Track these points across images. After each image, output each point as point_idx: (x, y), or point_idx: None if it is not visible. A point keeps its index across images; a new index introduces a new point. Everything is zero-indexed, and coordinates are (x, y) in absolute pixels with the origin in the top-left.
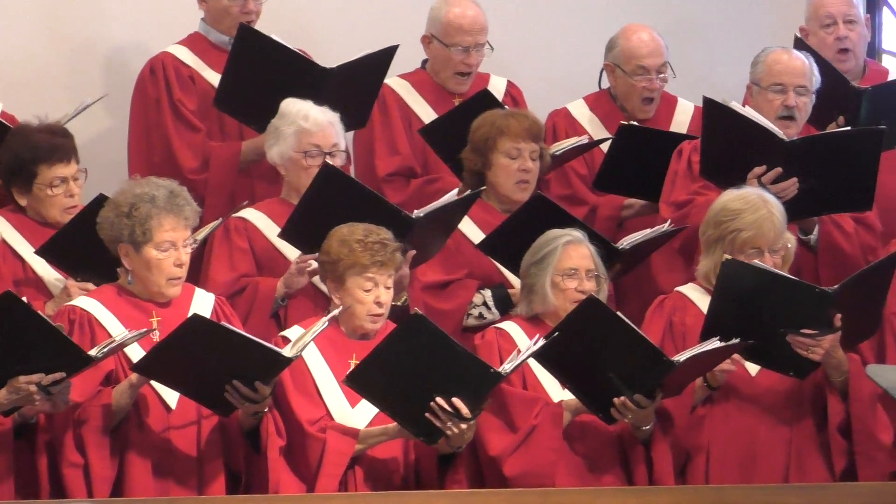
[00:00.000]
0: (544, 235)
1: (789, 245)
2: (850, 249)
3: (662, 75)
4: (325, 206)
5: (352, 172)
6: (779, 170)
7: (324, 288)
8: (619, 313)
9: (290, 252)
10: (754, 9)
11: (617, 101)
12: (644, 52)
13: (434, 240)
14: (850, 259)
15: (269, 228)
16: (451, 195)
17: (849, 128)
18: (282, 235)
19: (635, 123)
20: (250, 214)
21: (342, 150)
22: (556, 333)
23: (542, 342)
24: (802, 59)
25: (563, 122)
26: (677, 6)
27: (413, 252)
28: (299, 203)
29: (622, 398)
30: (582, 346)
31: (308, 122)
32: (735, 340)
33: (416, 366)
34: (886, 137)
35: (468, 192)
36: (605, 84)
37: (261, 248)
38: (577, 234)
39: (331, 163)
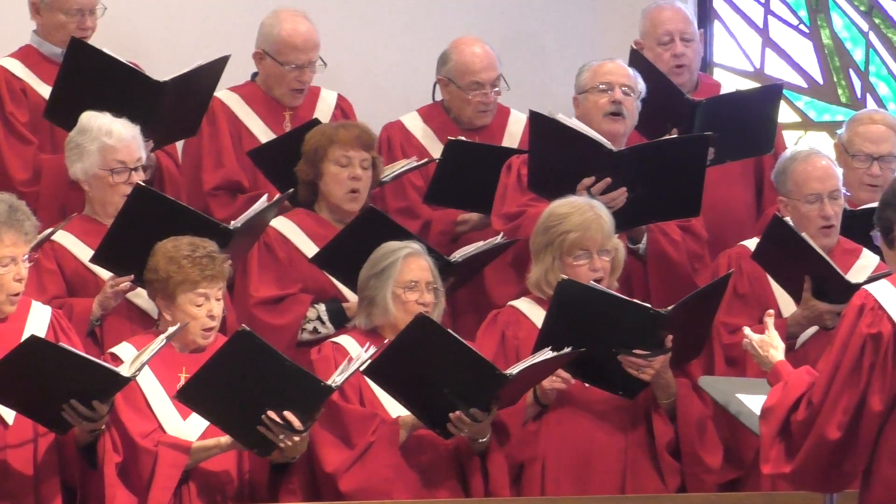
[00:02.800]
0: (383, 247)
1: (618, 248)
2: (678, 257)
3: (496, 88)
4: (139, 226)
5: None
6: (608, 180)
7: (139, 304)
8: (449, 330)
9: (103, 271)
10: (588, 21)
11: (451, 114)
12: (477, 67)
13: (246, 245)
14: (678, 267)
15: (77, 248)
16: (263, 201)
17: (676, 131)
18: (94, 260)
19: (463, 139)
20: (58, 236)
21: (144, 162)
22: (384, 350)
23: (372, 350)
24: (627, 67)
25: (397, 135)
26: (510, 19)
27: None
28: (112, 226)
29: (458, 413)
30: (415, 363)
31: (112, 138)
32: (567, 349)
33: (245, 380)
34: (718, 150)
35: (277, 195)
36: (439, 96)
37: (70, 269)
38: (416, 246)
39: (141, 182)
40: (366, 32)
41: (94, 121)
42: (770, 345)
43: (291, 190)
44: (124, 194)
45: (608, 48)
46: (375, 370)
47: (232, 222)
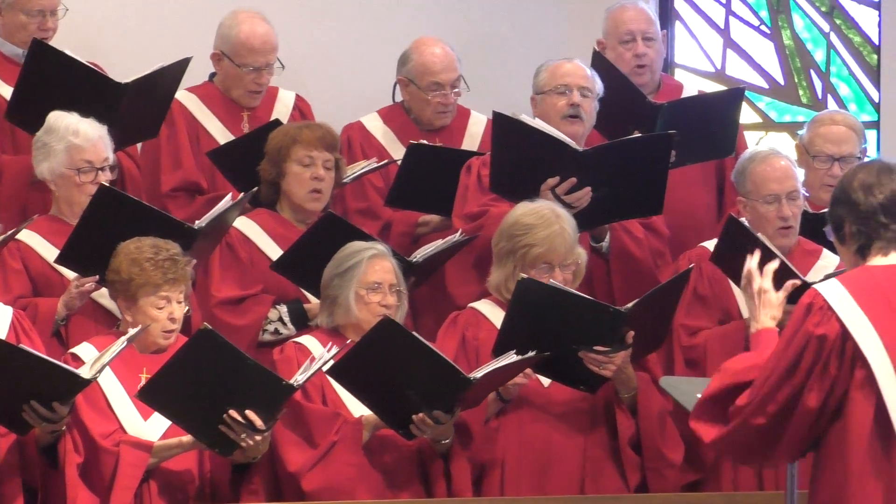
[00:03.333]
0: (348, 247)
1: (580, 261)
2: (641, 255)
3: (456, 90)
4: (103, 227)
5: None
6: (573, 180)
7: (104, 303)
8: (414, 333)
9: (69, 272)
10: (549, 21)
11: (411, 114)
12: (438, 68)
13: (210, 246)
14: (641, 264)
15: (43, 248)
16: (227, 200)
17: (638, 134)
18: (59, 261)
19: (424, 143)
20: (23, 235)
21: (111, 163)
22: (348, 351)
23: (334, 351)
24: (584, 66)
25: (357, 136)
26: (472, 19)
27: (195, 261)
28: (76, 227)
29: (421, 415)
30: (379, 365)
31: (79, 137)
32: (531, 353)
33: (207, 379)
34: (679, 153)
35: (241, 195)
36: (399, 97)
37: (36, 269)
38: (380, 247)
39: (105, 182)
40: (327, 32)
41: (62, 120)
42: (773, 305)
43: (255, 189)
44: (90, 194)
45: (571, 48)
46: (339, 371)
47: (196, 222)
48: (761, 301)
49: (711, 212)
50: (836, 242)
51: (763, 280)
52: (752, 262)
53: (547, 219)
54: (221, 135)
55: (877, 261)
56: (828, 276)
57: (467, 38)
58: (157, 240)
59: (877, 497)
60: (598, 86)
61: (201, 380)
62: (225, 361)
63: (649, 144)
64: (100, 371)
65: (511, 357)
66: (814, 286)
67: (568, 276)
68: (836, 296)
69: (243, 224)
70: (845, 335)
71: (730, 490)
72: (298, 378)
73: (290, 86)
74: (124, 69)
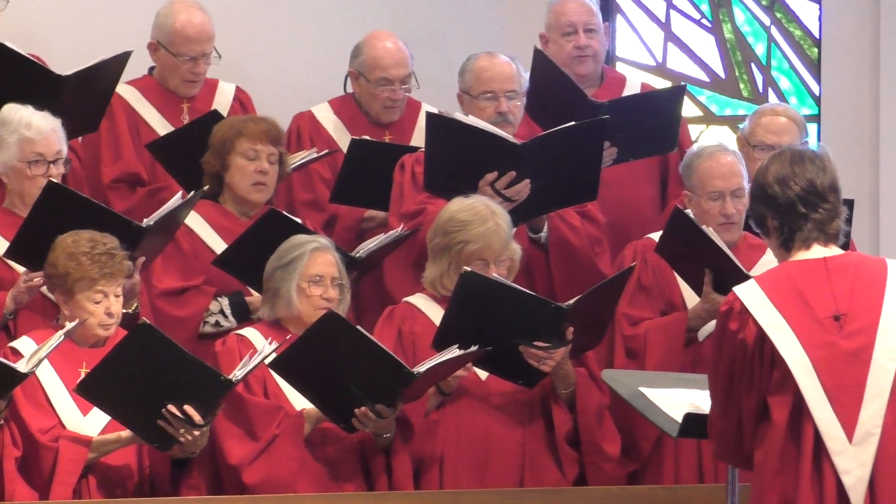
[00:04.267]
0: (292, 239)
1: (514, 257)
2: (579, 243)
3: (406, 86)
4: (52, 222)
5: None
6: (512, 174)
7: (52, 297)
8: (358, 327)
9: (18, 265)
10: (492, 15)
11: (361, 107)
12: (388, 63)
13: (160, 243)
14: (579, 252)
15: None
16: (177, 199)
17: (571, 122)
18: (7, 255)
19: (367, 138)
20: None
21: (64, 157)
22: (291, 345)
23: (274, 346)
24: (509, 63)
25: (307, 126)
26: (415, 13)
27: (143, 259)
28: (25, 221)
29: (363, 408)
30: (322, 358)
31: (31, 130)
32: (474, 348)
33: (145, 374)
34: (621, 149)
35: (192, 193)
36: (350, 89)
37: None
38: (323, 240)
39: (58, 176)
40: (269, 23)
41: (15, 113)
42: None
43: (206, 187)
44: (42, 187)
45: (514, 42)
46: (281, 364)
47: (145, 220)
48: None
49: (655, 206)
50: (763, 237)
51: None
52: None
53: (482, 215)
54: (161, 126)
55: (800, 255)
56: None
57: (410, 32)
58: (94, 233)
59: (787, 490)
60: (525, 82)
61: (139, 375)
62: (163, 356)
63: (585, 132)
64: (37, 365)
65: (454, 351)
66: (734, 289)
67: (503, 272)
68: (753, 298)
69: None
70: (762, 336)
71: (671, 482)
72: (237, 373)
73: (232, 77)
74: (65, 62)
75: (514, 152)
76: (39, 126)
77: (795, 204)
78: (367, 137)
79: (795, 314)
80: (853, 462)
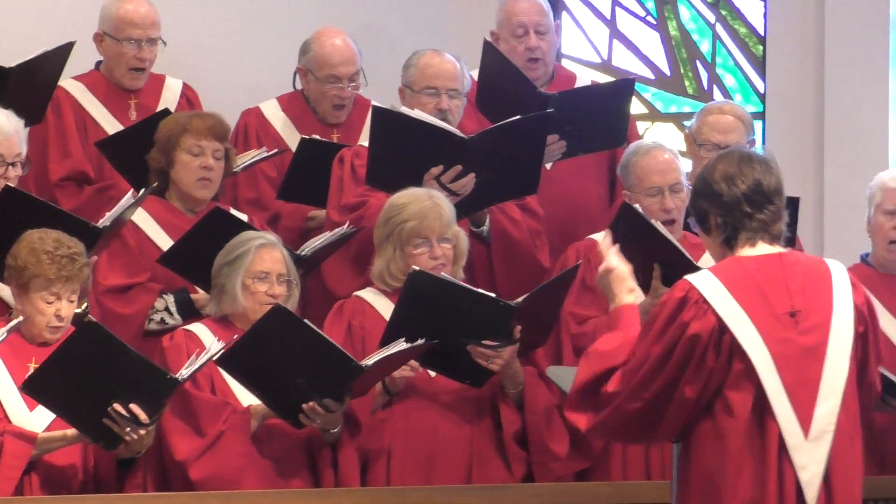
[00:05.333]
0: (240, 236)
1: (460, 236)
2: (520, 236)
3: (354, 83)
4: (9, 226)
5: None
6: (459, 168)
7: (4, 296)
8: (306, 321)
9: None
10: (442, 12)
11: (310, 104)
12: (336, 61)
13: (109, 241)
14: (520, 245)
15: None
16: (128, 198)
17: (518, 116)
18: None
19: (317, 137)
20: None
21: (23, 159)
22: (238, 340)
23: (219, 346)
24: (454, 62)
25: (254, 122)
26: (364, 9)
27: (95, 258)
28: None
29: (311, 403)
30: (269, 353)
31: None
32: (421, 341)
33: (92, 372)
34: (570, 143)
35: (142, 190)
36: (300, 86)
37: None
38: (271, 237)
39: (11, 180)
40: (218, 20)
41: None
42: (624, 278)
43: (155, 184)
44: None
45: (464, 41)
46: (228, 361)
47: (101, 221)
48: (612, 278)
49: (604, 203)
50: (702, 234)
51: (608, 258)
52: (613, 264)
53: (419, 196)
54: (108, 123)
55: (745, 251)
56: None
57: (358, 29)
58: (62, 235)
59: (750, 485)
60: (468, 80)
61: (85, 373)
62: (109, 354)
63: (531, 125)
64: None
65: (401, 345)
66: (686, 278)
67: (448, 252)
68: (711, 288)
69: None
70: (722, 329)
71: (619, 478)
72: (183, 372)
73: (180, 73)
74: (6, 54)
75: (462, 146)
76: (2, 126)
77: (741, 202)
78: (318, 137)
79: (755, 308)
80: (809, 458)
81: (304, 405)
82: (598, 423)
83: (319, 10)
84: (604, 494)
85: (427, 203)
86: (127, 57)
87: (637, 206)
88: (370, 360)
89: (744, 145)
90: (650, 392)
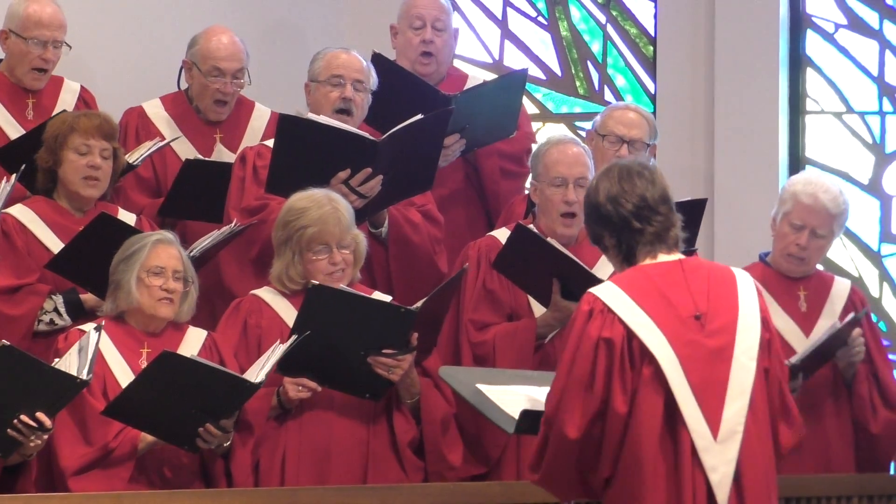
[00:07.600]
0: (138, 235)
1: (358, 241)
2: (419, 240)
3: (238, 80)
4: None
5: None
6: (368, 170)
7: None
8: (196, 357)
9: None
10: (350, 11)
11: (193, 103)
12: (222, 55)
13: None
14: (419, 249)
15: None
16: (4, 185)
17: (420, 115)
18: None
19: (200, 158)
20: None
21: None
22: (125, 390)
23: (101, 335)
24: (361, 59)
25: (135, 121)
26: (270, 8)
27: None
28: None
29: (207, 425)
30: (161, 394)
31: None
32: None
33: None
34: (469, 140)
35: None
36: (184, 84)
37: None
38: (168, 235)
39: None
40: (116, 20)
41: None
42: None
43: (23, 166)
44: None
45: (367, 39)
46: (116, 410)
47: None
48: None
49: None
50: (603, 253)
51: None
52: None
53: (319, 201)
54: (5, 121)
55: (646, 263)
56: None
57: (265, 28)
58: None
59: (664, 488)
60: (373, 79)
61: None
62: (9, 363)
63: (434, 122)
64: None
65: (280, 348)
66: (590, 290)
67: (348, 258)
68: (615, 298)
69: (19, 212)
70: (630, 335)
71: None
72: (83, 375)
73: (77, 74)
74: None
75: (373, 149)
76: None
77: (629, 220)
78: (200, 157)
79: (660, 313)
80: (718, 459)
81: (199, 429)
82: (546, 467)
83: (221, 9)
84: (495, 494)
85: (327, 208)
86: (31, 56)
87: (531, 226)
88: (263, 375)
89: (626, 156)
90: (580, 415)
